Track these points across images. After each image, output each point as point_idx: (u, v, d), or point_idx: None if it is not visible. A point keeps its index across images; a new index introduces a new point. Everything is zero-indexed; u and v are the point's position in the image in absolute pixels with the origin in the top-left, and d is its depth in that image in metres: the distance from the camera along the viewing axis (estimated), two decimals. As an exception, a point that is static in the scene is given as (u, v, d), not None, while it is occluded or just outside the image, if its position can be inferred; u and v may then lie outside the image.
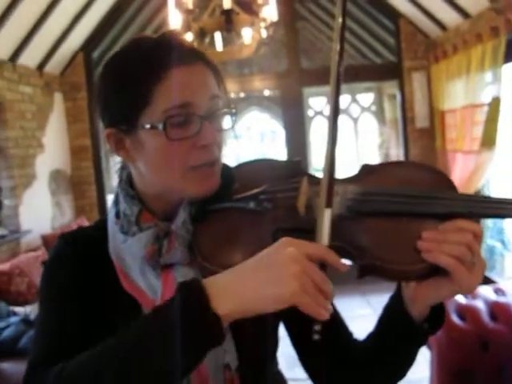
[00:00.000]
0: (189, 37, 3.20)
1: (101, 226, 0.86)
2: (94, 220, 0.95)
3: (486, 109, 3.83)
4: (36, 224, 4.57)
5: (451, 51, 4.51)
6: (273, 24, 3.34)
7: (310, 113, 8.08)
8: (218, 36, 3.50)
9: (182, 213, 0.78)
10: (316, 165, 7.16)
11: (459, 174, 4.23)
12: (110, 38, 5.58)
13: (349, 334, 0.88)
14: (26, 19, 4.13)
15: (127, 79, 0.74)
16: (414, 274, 0.69)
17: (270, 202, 0.76)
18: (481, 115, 3.88)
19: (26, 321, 3.12)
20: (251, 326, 0.80)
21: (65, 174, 5.29)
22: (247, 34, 3.34)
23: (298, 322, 0.81)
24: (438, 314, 0.76)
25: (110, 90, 0.76)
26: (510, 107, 3.97)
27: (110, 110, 0.77)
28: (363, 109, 8.24)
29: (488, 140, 3.79)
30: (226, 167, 0.83)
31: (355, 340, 0.87)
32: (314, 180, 0.78)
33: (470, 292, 0.69)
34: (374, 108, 8.17)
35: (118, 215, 0.82)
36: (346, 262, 0.69)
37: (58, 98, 5.25)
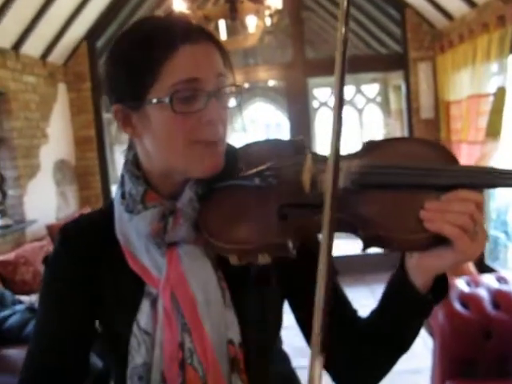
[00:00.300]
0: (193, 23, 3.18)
1: (106, 210, 0.88)
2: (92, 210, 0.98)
3: (491, 99, 3.80)
4: (41, 214, 4.59)
5: (457, 41, 4.48)
6: (277, 12, 3.32)
7: (315, 104, 8.05)
8: (222, 24, 3.48)
9: (188, 191, 0.79)
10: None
11: (464, 164, 4.21)
12: (114, 27, 5.56)
13: (353, 312, 0.88)
14: (29, 8, 4.12)
15: (135, 56, 0.75)
16: (418, 244, 0.69)
17: (275, 178, 0.77)
18: (486, 105, 3.86)
19: (31, 309, 3.14)
20: (253, 301, 0.81)
21: (69, 164, 5.30)
22: (252, 23, 3.32)
23: (302, 298, 0.83)
24: (441, 286, 0.76)
25: (119, 68, 0.77)
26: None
27: (118, 87, 0.78)
28: (368, 100, 8.21)
29: (493, 130, 3.77)
30: (230, 147, 0.84)
31: (359, 317, 0.88)
32: (317, 157, 0.79)
33: (472, 260, 0.70)
34: (379, 99, 8.14)
35: (123, 196, 0.83)
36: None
37: (61, 88, 5.24)
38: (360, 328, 0.84)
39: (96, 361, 2.12)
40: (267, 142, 0.88)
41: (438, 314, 2.15)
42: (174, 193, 0.81)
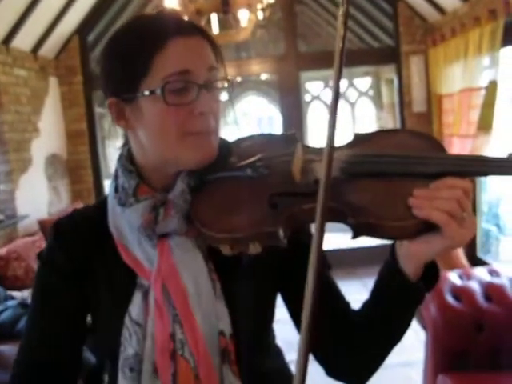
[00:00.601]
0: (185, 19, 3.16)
1: (100, 205, 0.89)
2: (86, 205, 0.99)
3: (483, 93, 3.81)
4: (33, 209, 4.56)
5: (449, 35, 4.49)
6: (270, 5, 3.31)
7: (308, 97, 8.05)
8: (214, 18, 3.46)
9: (180, 183, 0.80)
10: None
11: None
12: (106, 21, 5.52)
13: (346, 304, 0.89)
14: (20, 1, 4.08)
15: (128, 50, 0.77)
16: (407, 231, 0.70)
17: (266, 168, 0.79)
18: (478, 99, 3.87)
19: (23, 304, 3.13)
20: (244, 293, 0.82)
21: (61, 158, 5.27)
22: (244, 16, 3.31)
23: (295, 291, 0.83)
24: (431, 274, 0.77)
25: (112, 61, 0.79)
26: (506, 91, 3.95)
27: (112, 81, 0.80)
28: (360, 93, 8.23)
29: (485, 124, 3.78)
30: (223, 141, 0.85)
31: (352, 309, 0.88)
32: (308, 148, 0.81)
33: (460, 246, 0.71)
34: (371, 92, 8.15)
35: (116, 189, 0.84)
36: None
37: (53, 82, 5.20)
38: (353, 320, 0.85)
39: (89, 356, 2.12)
40: (260, 136, 0.89)
41: (431, 306, 2.16)
42: (167, 186, 0.82)
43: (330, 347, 0.86)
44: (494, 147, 3.80)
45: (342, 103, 8.09)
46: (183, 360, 0.77)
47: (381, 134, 0.84)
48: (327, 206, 0.61)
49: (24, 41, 4.52)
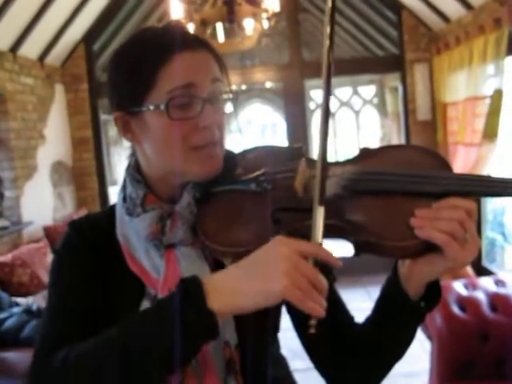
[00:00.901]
0: (190, 28, 3.19)
1: (109, 212, 0.89)
2: (95, 211, 1.00)
3: (488, 101, 3.81)
4: (38, 215, 4.57)
5: (454, 43, 4.49)
6: (275, 15, 3.32)
7: (312, 105, 8.06)
8: (219, 27, 3.48)
9: (187, 195, 0.80)
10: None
11: (460, 166, 4.22)
12: (111, 30, 5.56)
13: (350, 319, 0.89)
14: (27, 10, 4.11)
15: (134, 63, 0.77)
16: (408, 250, 0.70)
17: (270, 183, 0.79)
18: (483, 107, 3.87)
19: (28, 311, 3.13)
20: None
21: (66, 165, 5.29)
22: (249, 25, 3.32)
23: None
24: (433, 292, 0.77)
25: (118, 75, 0.80)
26: (512, 99, 3.95)
27: (117, 94, 0.81)
28: (365, 101, 8.22)
29: (490, 132, 3.78)
30: (229, 153, 0.86)
31: (356, 324, 0.88)
32: (312, 163, 0.81)
33: (462, 267, 0.71)
34: (375, 101, 8.15)
35: (124, 199, 0.85)
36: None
37: (59, 89, 5.24)
38: (356, 335, 0.85)
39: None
40: (266, 148, 0.90)
41: (436, 316, 2.15)
42: (173, 196, 0.82)
43: (334, 360, 0.86)
44: (499, 156, 3.79)
45: (346, 111, 8.11)
46: (189, 369, 0.77)
47: (388, 149, 0.84)
48: (326, 223, 0.62)
49: (31, 49, 4.56)
